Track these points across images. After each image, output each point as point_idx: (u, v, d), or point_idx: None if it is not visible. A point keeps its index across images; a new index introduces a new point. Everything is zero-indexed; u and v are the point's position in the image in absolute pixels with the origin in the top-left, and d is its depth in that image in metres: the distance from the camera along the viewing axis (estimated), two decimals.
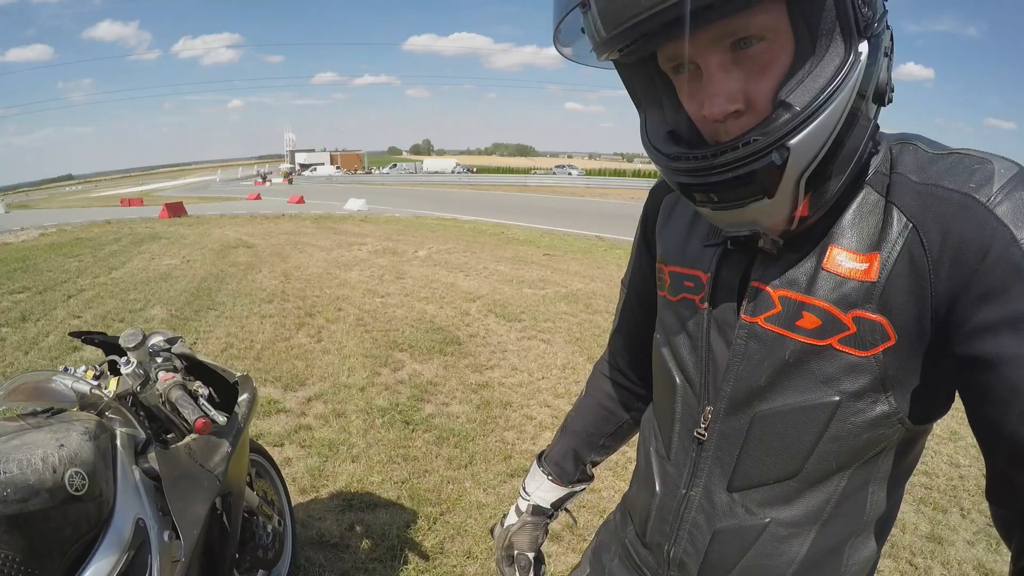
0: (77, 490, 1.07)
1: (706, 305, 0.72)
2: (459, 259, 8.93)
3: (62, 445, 1.10)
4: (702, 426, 0.73)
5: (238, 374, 1.80)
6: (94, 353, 4.19)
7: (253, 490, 1.95)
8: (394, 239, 11.08)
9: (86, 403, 1.34)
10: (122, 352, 1.47)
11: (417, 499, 2.71)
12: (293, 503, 2.47)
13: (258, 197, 23.75)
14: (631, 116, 0.70)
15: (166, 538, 1.22)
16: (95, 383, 1.37)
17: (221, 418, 1.44)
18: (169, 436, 1.51)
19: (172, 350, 1.60)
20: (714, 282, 0.71)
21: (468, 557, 2.35)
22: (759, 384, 0.67)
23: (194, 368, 1.72)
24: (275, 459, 2.69)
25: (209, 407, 1.42)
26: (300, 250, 9.54)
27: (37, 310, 5.67)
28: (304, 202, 21.12)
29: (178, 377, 1.45)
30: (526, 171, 75.89)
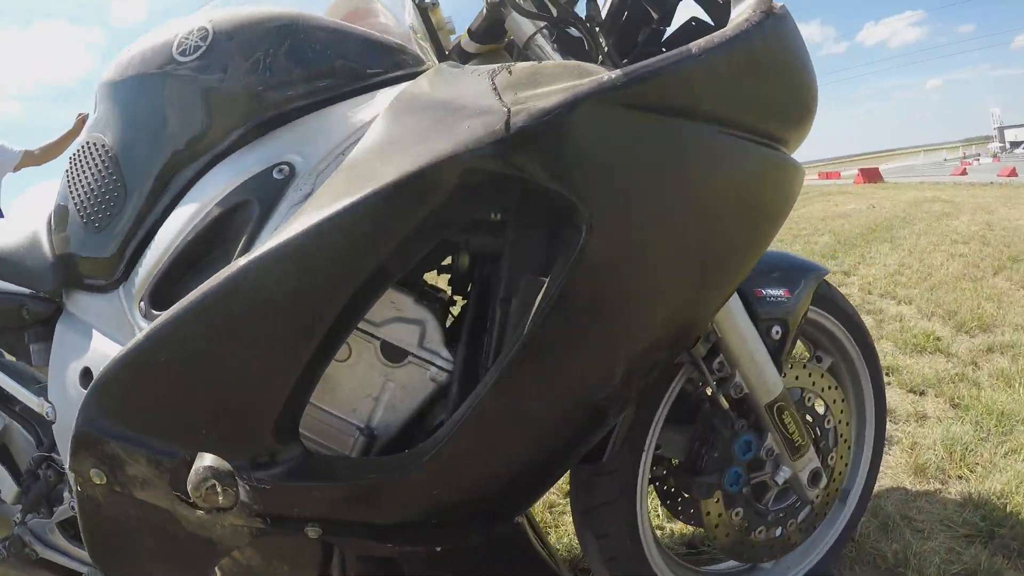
0: None
1: None
2: None
3: None
4: None
5: None
6: None
7: (782, 373, 1.05)
8: None
9: None
10: None
11: None
12: (891, 483, 1.66)
13: (963, 172, 21.21)
14: None
15: None
16: None
17: None
18: None
19: None
20: None
21: None
22: None
23: None
24: (903, 412, 2.14)
25: None
26: (1011, 206, 8.21)
27: None
28: (1017, 175, 17.64)
29: None
30: None
